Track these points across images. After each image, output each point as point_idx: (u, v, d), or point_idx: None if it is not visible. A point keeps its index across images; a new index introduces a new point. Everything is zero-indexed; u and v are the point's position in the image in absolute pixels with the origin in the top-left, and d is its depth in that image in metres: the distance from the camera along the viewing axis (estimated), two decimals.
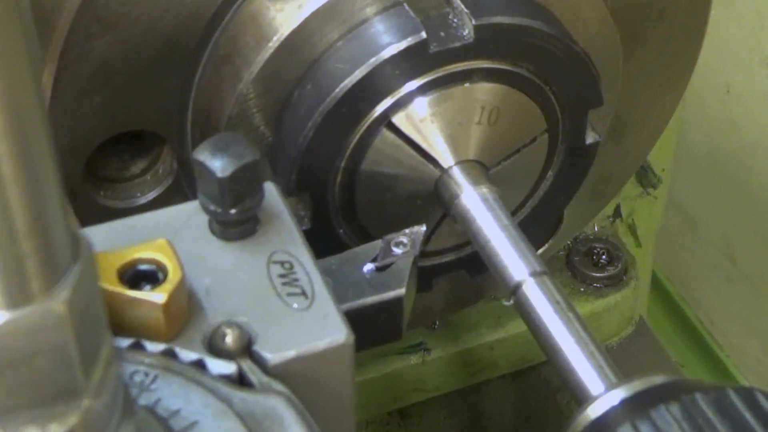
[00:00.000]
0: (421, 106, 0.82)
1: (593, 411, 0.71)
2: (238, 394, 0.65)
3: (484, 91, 0.83)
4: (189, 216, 0.69)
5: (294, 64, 0.81)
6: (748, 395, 0.68)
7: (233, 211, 0.67)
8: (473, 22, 0.80)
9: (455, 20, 0.81)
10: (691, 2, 0.95)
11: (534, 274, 0.80)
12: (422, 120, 0.82)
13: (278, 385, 0.66)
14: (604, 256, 1.24)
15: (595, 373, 0.75)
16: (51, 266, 0.49)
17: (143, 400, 0.63)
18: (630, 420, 0.68)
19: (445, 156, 0.84)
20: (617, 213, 1.29)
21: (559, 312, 0.78)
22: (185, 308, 0.64)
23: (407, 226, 0.89)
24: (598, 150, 0.92)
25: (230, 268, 0.67)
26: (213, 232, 0.68)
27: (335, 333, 0.64)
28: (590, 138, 0.91)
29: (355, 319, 0.67)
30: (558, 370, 0.78)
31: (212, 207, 0.67)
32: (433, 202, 0.87)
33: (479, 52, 0.81)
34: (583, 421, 0.72)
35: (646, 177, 1.30)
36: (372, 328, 0.75)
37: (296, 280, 0.66)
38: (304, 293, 0.66)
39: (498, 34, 0.81)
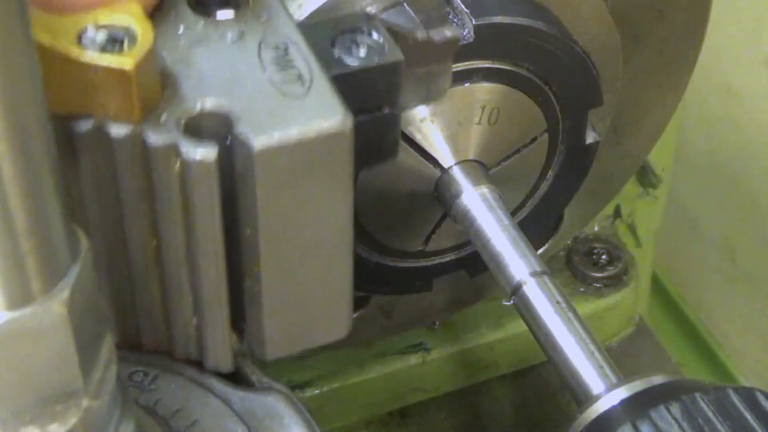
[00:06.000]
0: (422, 106, 0.81)
1: (593, 411, 0.71)
2: (237, 393, 0.65)
3: (484, 91, 0.83)
4: None
5: None
6: (748, 395, 0.68)
7: None
8: (473, 21, 0.80)
9: (455, 20, 0.81)
10: (691, 2, 0.95)
11: (534, 274, 0.80)
12: (422, 120, 0.82)
13: (278, 384, 0.66)
14: (604, 256, 1.23)
15: (595, 373, 0.75)
16: (51, 266, 0.49)
17: (143, 400, 0.63)
18: (630, 420, 0.68)
19: (445, 156, 0.84)
20: (617, 213, 1.29)
21: (559, 312, 0.78)
22: (156, 83, 0.54)
23: (407, 226, 0.90)
24: (598, 150, 0.92)
25: (215, 49, 0.58)
26: (192, 7, 0.59)
27: (332, 117, 0.55)
28: (590, 138, 0.91)
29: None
30: (558, 370, 0.78)
31: None
32: (433, 202, 0.87)
33: (479, 52, 0.81)
34: (583, 421, 0.72)
35: (646, 177, 1.30)
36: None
37: (292, 65, 0.58)
38: (300, 79, 0.57)
39: (498, 34, 0.81)
